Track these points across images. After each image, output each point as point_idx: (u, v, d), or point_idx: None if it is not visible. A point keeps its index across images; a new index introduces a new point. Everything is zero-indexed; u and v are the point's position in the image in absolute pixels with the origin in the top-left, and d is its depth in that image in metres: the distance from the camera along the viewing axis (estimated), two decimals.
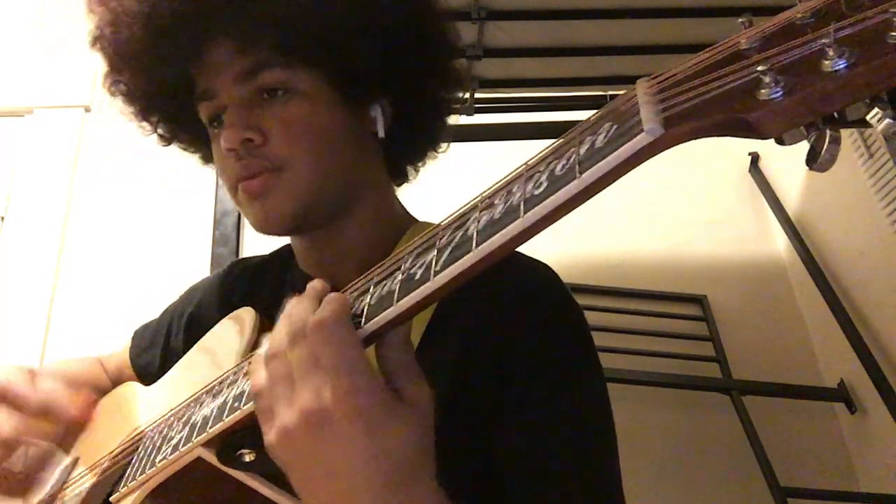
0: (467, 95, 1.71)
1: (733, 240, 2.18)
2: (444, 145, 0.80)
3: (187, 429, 0.52)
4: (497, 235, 0.40)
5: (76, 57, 2.11)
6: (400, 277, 0.44)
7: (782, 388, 1.87)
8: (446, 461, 0.59)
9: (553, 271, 0.68)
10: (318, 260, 0.74)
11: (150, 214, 2.08)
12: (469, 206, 0.45)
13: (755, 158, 2.27)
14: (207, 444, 0.49)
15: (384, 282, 0.45)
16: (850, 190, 1.93)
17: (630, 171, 0.38)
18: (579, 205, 0.39)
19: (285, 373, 0.43)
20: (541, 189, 0.39)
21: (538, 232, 0.40)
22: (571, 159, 0.39)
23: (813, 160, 0.34)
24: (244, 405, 0.48)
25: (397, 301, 0.42)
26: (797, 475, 1.76)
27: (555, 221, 0.40)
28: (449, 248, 0.42)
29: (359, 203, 0.71)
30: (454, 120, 1.97)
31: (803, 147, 0.35)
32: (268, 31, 0.62)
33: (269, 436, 0.44)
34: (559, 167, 0.40)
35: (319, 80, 0.66)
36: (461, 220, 0.44)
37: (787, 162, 2.19)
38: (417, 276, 0.42)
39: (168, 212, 2.08)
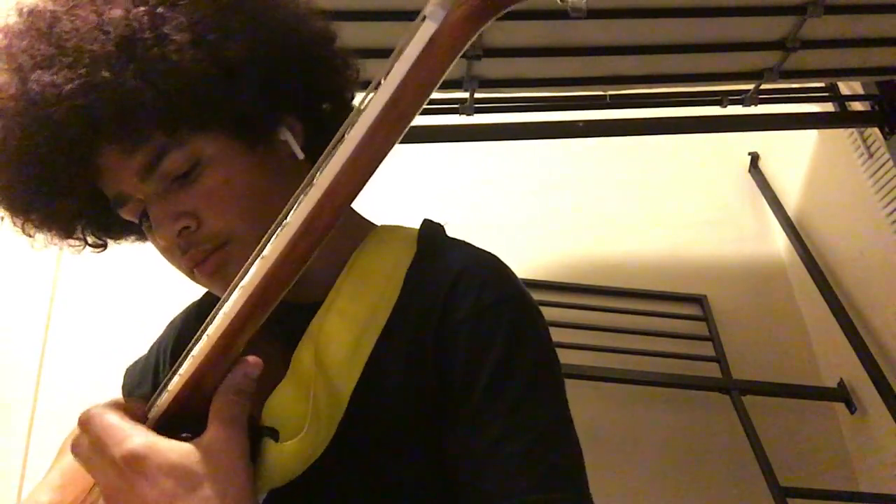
0: (467, 95, 1.71)
1: (733, 240, 2.18)
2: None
3: None
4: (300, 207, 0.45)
5: None
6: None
7: (782, 388, 1.87)
8: (407, 451, 0.58)
9: (500, 259, 0.67)
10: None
11: None
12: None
13: (755, 158, 2.26)
14: None
15: None
16: (850, 190, 1.92)
17: (438, 75, 0.39)
18: (401, 120, 0.39)
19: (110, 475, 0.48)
20: (356, 118, 0.41)
21: (370, 166, 0.41)
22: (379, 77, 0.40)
23: None
24: None
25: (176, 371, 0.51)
26: (797, 475, 1.76)
27: (385, 146, 0.40)
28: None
29: None
30: (454, 120, 1.97)
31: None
32: (145, 123, 0.58)
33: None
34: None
35: (219, 139, 0.62)
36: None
37: (787, 162, 2.19)
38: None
39: None
